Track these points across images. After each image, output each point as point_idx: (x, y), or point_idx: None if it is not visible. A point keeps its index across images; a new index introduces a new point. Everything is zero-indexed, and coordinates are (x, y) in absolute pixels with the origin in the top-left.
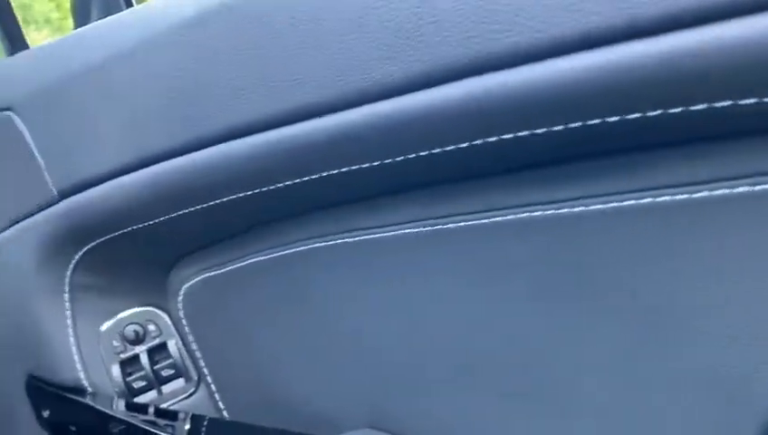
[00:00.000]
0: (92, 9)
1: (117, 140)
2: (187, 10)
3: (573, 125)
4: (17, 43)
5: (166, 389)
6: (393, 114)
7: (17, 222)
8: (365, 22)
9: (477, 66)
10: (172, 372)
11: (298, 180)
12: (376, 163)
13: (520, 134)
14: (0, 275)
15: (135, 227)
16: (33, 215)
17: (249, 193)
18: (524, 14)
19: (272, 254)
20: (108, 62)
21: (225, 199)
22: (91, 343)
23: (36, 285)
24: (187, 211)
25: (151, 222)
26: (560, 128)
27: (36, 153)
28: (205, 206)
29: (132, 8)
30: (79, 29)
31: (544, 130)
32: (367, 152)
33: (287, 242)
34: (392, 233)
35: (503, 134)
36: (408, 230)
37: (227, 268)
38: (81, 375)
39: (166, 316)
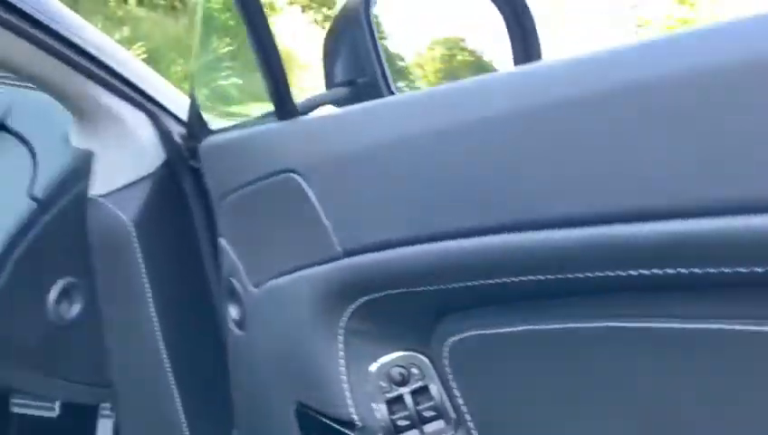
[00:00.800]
0: (338, 63)
1: (408, 213)
2: (503, 105)
3: None
4: (288, 107)
5: (428, 429)
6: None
7: (301, 269)
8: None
9: None
10: (434, 413)
11: (600, 274)
12: (685, 272)
13: None
14: (280, 312)
15: (414, 289)
16: (316, 265)
17: (535, 278)
18: None
19: (555, 325)
20: (406, 140)
21: (512, 279)
22: (361, 383)
23: (313, 326)
24: (468, 284)
25: (431, 288)
26: None
27: (322, 214)
28: (486, 283)
29: (441, 88)
30: (371, 103)
31: None
32: (669, 261)
33: (574, 316)
34: (690, 326)
35: None
36: (705, 326)
37: (502, 330)
38: (352, 411)
39: (428, 361)
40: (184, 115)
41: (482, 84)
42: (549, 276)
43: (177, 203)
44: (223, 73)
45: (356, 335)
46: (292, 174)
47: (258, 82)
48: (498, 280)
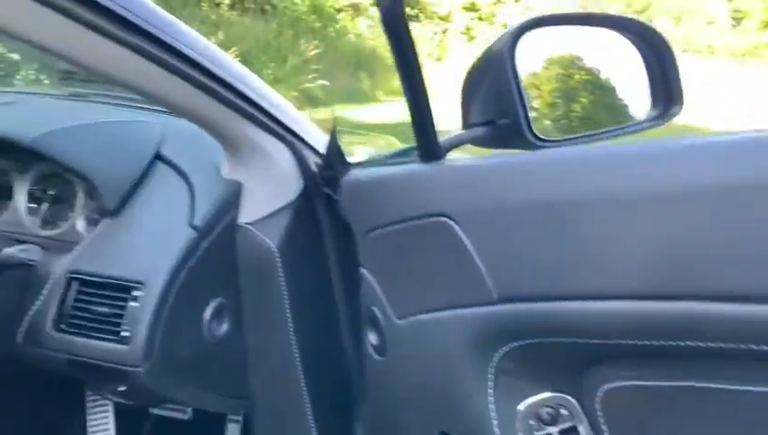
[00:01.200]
0: (477, 102)
1: (570, 270)
2: (700, 176)
3: None
4: (434, 149)
5: None
6: None
7: (452, 308)
8: None
9: None
10: None
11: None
12: None
13: None
14: (427, 345)
15: (571, 340)
16: (469, 307)
17: (695, 344)
18: None
19: (710, 384)
20: (574, 199)
21: (670, 343)
22: (509, 420)
23: (464, 363)
24: (625, 342)
25: (587, 341)
26: None
27: (477, 259)
28: (643, 343)
29: (612, 147)
30: (534, 155)
31: None
32: None
33: (731, 379)
34: None
35: None
36: None
37: (658, 383)
38: None
39: (577, 403)
40: (315, 142)
41: (667, 151)
42: (710, 344)
43: (312, 229)
44: (310, 76)
45: (506, 375)
46: (444, 218)
47: (343, 84)
48: (656, 342)
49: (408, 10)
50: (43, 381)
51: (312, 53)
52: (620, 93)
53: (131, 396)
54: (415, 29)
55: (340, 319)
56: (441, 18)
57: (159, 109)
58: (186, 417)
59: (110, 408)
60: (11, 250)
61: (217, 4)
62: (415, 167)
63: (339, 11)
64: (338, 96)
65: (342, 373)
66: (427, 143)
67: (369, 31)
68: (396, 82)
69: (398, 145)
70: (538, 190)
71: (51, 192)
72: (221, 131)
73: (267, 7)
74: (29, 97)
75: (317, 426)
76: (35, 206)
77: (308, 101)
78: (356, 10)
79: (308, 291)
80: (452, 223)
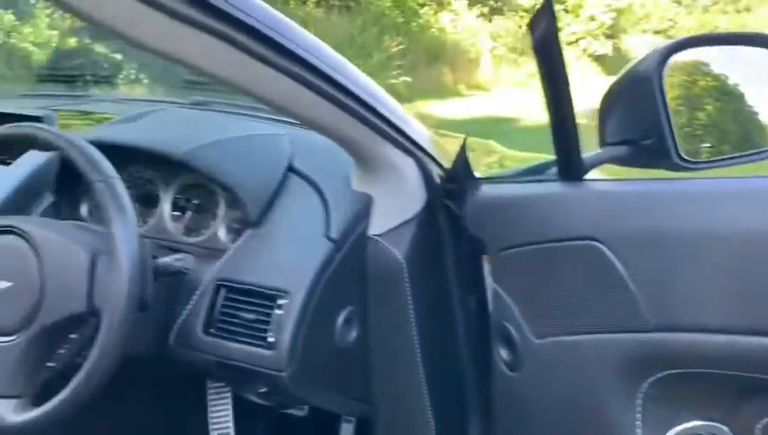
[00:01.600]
0: (615, 121)
1: (731, 304)
2: None
3: None
4: (577, 168)
5: None
6: None
7: (602, 332)
8: None
9: None
10: None
11: None
12: None
13: None
14: (571, 367)
15: (727, 373)
16: (619, 332)
17: None
18: None
19: None
20: (741, 233)
21: None
22: None
23: (612, 387)
24: None
25: (746, 374)
26: None
27: (631, 286)
28: None
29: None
30: (677, 183)
31: None
32: None
33: None
34: None
35: None
36: None
37: None
38: None
39: (730, 432)
40: (435, 153)
41: None
42: None
43: (434, 241)
44: (394, 72)
45: (655, 402)
46: (594, 242)
47: (425, 79)
48: None
49: (491, 3)
50: (166, 377)
51: (396, 48)
52: (750, 101)
53: (271, 397)
54: (498, 22)
55: (459, 329)
56: (525, 11)
57: (284, 119)
58: (302, 413)
59: (230, 402)
60: (167, 259)
61: (304, 2)
62: (556, 186)
63: (422, 6)
64: (420, 92)
65: (462, 381)
66: (569, 163)
67: (451, 25)
68: (478, 75)
69: (492, 147)
70: (693, 220)
71: (194, 201)
72: (353, 146)
73: (351, 4)
74: (157, 106)
75: (437, 430)
76: (179, 214)
77: (392, 97)
78: (438, 4)
79: (430, 300)
80: (602, 247)
